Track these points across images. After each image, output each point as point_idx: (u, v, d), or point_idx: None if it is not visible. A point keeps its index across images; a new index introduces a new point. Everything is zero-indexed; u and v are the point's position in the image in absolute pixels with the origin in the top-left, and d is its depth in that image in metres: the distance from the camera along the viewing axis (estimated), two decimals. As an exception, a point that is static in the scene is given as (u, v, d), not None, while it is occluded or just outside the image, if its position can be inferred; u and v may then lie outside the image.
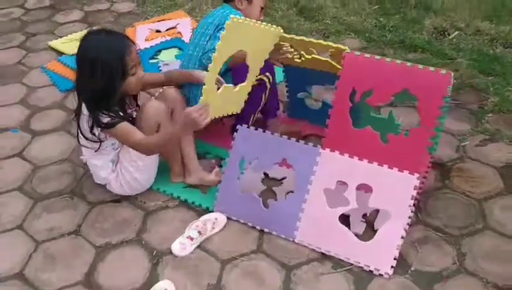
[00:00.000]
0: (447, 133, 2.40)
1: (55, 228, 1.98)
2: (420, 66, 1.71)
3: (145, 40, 3.24)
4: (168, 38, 3.21)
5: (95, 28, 2.04)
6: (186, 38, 3.19)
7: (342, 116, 1.84)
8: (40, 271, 1.80)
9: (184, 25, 3.36)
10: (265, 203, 1.97)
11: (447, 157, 2.26)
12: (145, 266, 1.82)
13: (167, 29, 3.35)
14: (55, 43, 3.27)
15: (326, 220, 1.84)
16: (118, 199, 2.11)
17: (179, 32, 3.29)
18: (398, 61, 1.74)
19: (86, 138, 1.93)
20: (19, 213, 2.05)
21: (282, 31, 1.94)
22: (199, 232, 1.92)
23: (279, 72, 2.43)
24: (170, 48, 3.13)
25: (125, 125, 1.89)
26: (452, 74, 1.68)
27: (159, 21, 3.49)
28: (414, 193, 1.76)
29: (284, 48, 2.03)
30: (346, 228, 1.83)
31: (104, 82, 1.83)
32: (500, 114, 2.51)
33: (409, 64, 1.73)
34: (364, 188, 1.84)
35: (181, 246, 1.88)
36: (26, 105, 2.73)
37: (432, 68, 1.70)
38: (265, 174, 2.17)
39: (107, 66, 1.81)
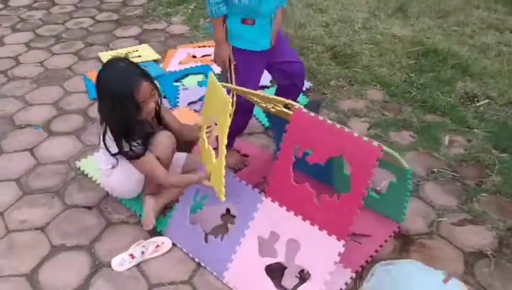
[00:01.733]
0: (428, 205, 2.28)
1: (28, 221, 2.22)
2: (355, 134, 1.68)
3: (179, 62, 3.47)
4: (199, 64, 3.41)
5: (116, 58, 2.07)
6: (215, 66, 3.36)
7: (285, 169, 1.86)
8: (-4, 257, 2.04)
9: (218, 54, 3.52)
10: (207, 238, 2.03)
11: (415, 230, 2.15)
12: (83, 273, 1.97)
13: (202, 56, 3.56)
14: (104, 54, 3.62)
15: (254, 267, 1.86)
16: (90, 207, 2.30)
17: (211, 60, 3.47)
18: (338, 126, 1.72)
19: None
20: (5, 202, 2.32)
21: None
22: (142, 252, 2.04)
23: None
24: (197, 73, 3.32)
25: (149, 159, 2.05)
26: (383, 147, 1.62)
27: (199, 46, 3.71)
28: (337, 259, 1.73)
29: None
30: (270, 280, 1.83)
31: (120, 115, 1.96)
32: (496, 196, 2.32)
33: (346, 130, 1.70)
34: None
35: (120, 262, 2.01)
36: (56, 106, 3.06)
37: (365, 138, 1.66)
38: (228, 210, 2.23)
39: (121, 102, 1.92)
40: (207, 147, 2.08)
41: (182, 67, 3.39)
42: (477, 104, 2.95)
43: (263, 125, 2.84)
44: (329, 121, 1.74)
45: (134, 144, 2.03)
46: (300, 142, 1.82)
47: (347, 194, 1.72)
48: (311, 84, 3.20)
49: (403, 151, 2.61)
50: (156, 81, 2.12)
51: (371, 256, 2.01)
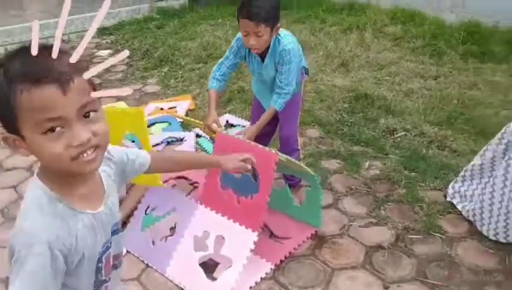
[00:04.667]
0: (343, 213, 2.75)
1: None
2: (260, 146, 2.20)
3: (148, 114, 4.04)
4: (165, 115, 3.99)
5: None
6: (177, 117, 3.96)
7: (213, 180, 2.36)
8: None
9: (182, 106, 4.13)
10: (154, 243, 2.48)
11: (329, 232, 2.60)
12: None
13: (169, 108, 4.15)
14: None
15: (189, 261, 2.30)
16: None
17: (176, 111, 4.05)
18: (247, 141, 2.25)
19: None
20: None
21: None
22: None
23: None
24: (161, 122, 3.89)
25: None
26: (278, 153, 2.14)
27: (168, 101, 4.31)
28: (252, 246, 2.18)
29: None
30: (202, 270, 2.27)
31: None
32: (399, 204, 2.80)
33: (252, 143, 2.23)
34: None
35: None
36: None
37: (267, 148, 2.18)
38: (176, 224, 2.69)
39: None
40: None
41: (150, 117, 3.96)
42: (396, 136, 3.50)
43: (208, 152, 3.36)
44: (241, 138, 2.27)
45: None
46: (222, 157, 2.34)
47: (257, 194, 2.21)
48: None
49: (329, 174, 3.12)
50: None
51: (289, 252, 2.45)
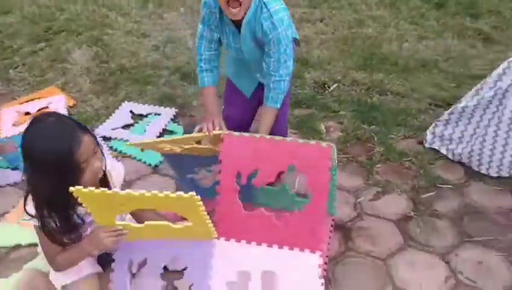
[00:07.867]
0: (342, 190, 2.40)
1: None
2: (300, 141, 1.65)
3: (13, 125, 2.91)
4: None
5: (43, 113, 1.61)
6: (60, 118, 2.93)
7: (230, 201, 1.72)
8: None
9: (57, 103, 3.08)
10: (166, 307, 1.76)
11: (346, 216, 2.25)
12: None
13: (38, 110, 3.05)
14: None
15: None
16: None
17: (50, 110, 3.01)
18: (278, 138, 1.67)
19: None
20: None
21: None
22: None
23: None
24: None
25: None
26: (333, 146, 1.64)
27: (27, 101, 3.17)
28: (320, 271, 1.68)
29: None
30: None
31: (53, 184, 1.48)
32: (388, 163, 2.58)
33: (288, 139, 1.67)
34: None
35: None
36: None
37: (312, 141, 1.65)
38: (165, 267, 1.96)
39: (54, 167, 1.46)
40: None
41: (21, 128, 2.84)
42: (330, 90, 3.23)
43: (150, 165, 2.59)
44: (267, 137, 1.67)
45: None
46: (240, 168, 1.70)
47: (308, 204, 1.69)
48: (176, 110, 3.04)
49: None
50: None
51: (326, 256, 2.01)
